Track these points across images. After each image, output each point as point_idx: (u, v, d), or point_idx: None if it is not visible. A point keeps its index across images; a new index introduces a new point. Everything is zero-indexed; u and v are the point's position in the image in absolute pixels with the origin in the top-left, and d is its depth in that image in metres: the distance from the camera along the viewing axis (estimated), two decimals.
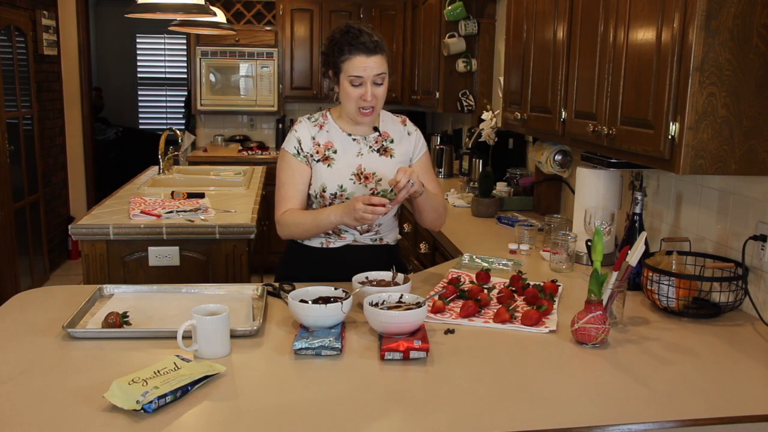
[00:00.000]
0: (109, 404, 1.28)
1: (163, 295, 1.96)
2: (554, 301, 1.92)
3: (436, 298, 1.89)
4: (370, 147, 2.15)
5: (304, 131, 2.13)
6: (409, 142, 2.22)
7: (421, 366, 1.52)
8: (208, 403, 1.33)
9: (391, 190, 1.92)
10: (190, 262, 2.79)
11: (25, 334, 1.66)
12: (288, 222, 2.10)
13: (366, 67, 1.99)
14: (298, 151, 2.12)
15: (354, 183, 2.12)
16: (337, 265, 2.12)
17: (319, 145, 2.12)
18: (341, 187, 2.11)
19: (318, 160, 2.12)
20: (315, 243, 2.17)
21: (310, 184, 2.13)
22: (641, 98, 1.80)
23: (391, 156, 2.17)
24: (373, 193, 2.02)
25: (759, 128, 1.63)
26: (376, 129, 2.17)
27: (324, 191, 2.10)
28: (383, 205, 1.88)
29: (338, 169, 2.11)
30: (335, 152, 2.12)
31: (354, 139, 2.15)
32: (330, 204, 2.10)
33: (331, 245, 2.16)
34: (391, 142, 2.18)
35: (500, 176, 3.56)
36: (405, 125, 2.24)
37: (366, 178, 2.13)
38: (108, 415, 1.26)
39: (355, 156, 2.14)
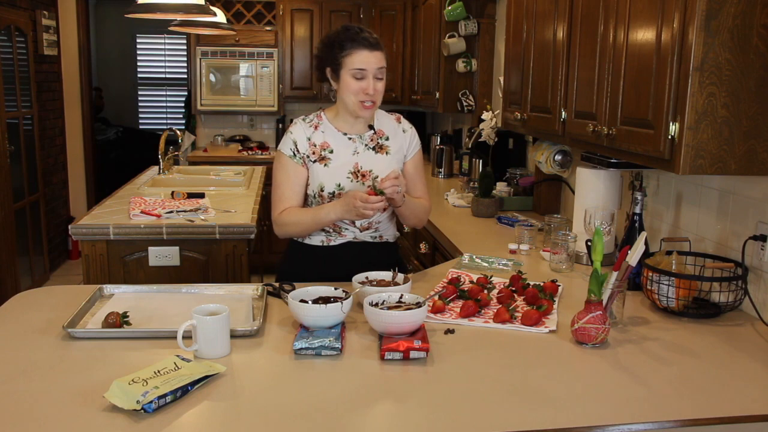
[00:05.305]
0: (109, 404, 1.28)
1: (163, 295, 1.96)
2: (554, 301, 1.92)
3: (436, 298, 1.89)
4: (366, 145, 2.18)
5: (299, 132, 2.15)
6: (404, 139, 2.24)
7: (421, 366, 1.52)
8: (208, 403, 1.33)
9: (374, 186, 2.00)
10: (190, 262, 2.79)
11: (25, 334, 1.66)
12: (286, 221, 2.12)
13: (369, 61, 2.02)
14: (294, 153, 2.13)
15: (351, 181, 2.14)
16: (338, 263, 2.14)
17: (315, 146, 2.14)
18: (339, 185, 2.12)
19: (314, 161, 2.13)
20: (316, 241, 2.18)
21: (307, 184, 2.15)
22: (641, 98, 1.80)
23: (386, 153, 2.19)
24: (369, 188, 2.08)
25: (759, 128, 1.63)
26: (371, 127, 2.19)
27: (322, 191, 2.12)
28: (381, 200, 1.95)
29: (335, 168, 2.13)
30: (331, 152, 2.14)
31: (350, 138, 2.16)
32: (328, 203, 2.11)
33: (332, 243, 2.18)
34: (386, 139, 2.21)
35: (500, 176, 3.57)
36: (400, 123, 2.27)
37: (363, 175, 2.15)
38: (108, 415, 1.26)
39: (351, 155, 2.16)
